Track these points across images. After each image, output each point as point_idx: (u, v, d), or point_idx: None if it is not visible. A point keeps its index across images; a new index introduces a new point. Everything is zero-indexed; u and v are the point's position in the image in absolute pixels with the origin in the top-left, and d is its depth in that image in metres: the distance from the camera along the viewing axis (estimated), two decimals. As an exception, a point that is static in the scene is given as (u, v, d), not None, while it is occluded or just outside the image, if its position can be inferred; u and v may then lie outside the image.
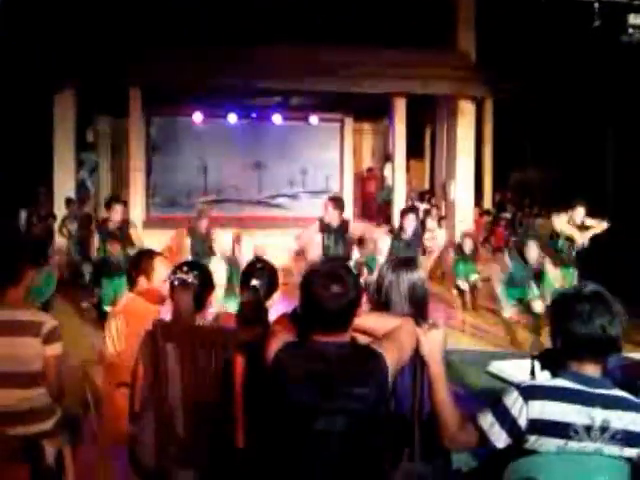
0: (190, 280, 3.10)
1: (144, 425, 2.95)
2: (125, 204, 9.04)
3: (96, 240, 8.76)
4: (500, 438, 2.30)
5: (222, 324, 3.42)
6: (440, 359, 2.49)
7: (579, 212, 8.60)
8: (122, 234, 8.59)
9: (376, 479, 2.39)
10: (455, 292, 10.37)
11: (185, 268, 3.17)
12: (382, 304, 2.94)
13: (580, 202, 8.67)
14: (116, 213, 8.59)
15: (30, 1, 10.53)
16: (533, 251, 8.08)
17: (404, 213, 8.69)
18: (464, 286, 10.26)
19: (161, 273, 3.69)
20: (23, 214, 12.28)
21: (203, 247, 9.79)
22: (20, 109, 12.14)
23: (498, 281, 8.43)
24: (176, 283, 3.11)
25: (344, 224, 7.92)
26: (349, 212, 15.52)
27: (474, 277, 10.25)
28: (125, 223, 8.84)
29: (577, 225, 8.57)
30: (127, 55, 11.56)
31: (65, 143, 12.30)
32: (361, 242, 8.66)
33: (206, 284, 3.22)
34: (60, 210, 12.06)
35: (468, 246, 10.42)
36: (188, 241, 10.01)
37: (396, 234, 8.66)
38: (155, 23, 11.65)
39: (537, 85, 13.89)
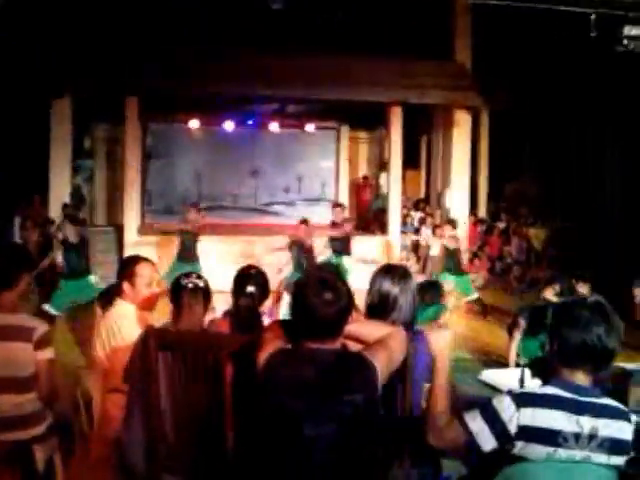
0: (201, 285, 3.36)
1: (133, 432, 2.95)
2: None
3: None
4: (488, 441, 2.31)
5: (216, 329, 3.44)
6: (447, 355, 2.59)
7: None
8: None
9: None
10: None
11: (194, 275, 3.45)
12: (376, 311, 2.95)
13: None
14: None
15: (27, 8, 10.54)
16: None
17: None
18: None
19: (145, 278, 3.72)
20: (17, 220, 12.26)
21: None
22: (17, 115, 12.13)
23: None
24: (190, 286, 3.32)
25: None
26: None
27: (471, 291, 10.08)
28: None
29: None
30: (124, 62, 11.56)
31: (61, 150, 12.28)
32: None
33: (209, 292, 3.43)
34: (55, 215, 12.06)
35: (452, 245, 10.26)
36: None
37: None
38: (152, 31, 11.67)
39: (533, 95, 13.95)
